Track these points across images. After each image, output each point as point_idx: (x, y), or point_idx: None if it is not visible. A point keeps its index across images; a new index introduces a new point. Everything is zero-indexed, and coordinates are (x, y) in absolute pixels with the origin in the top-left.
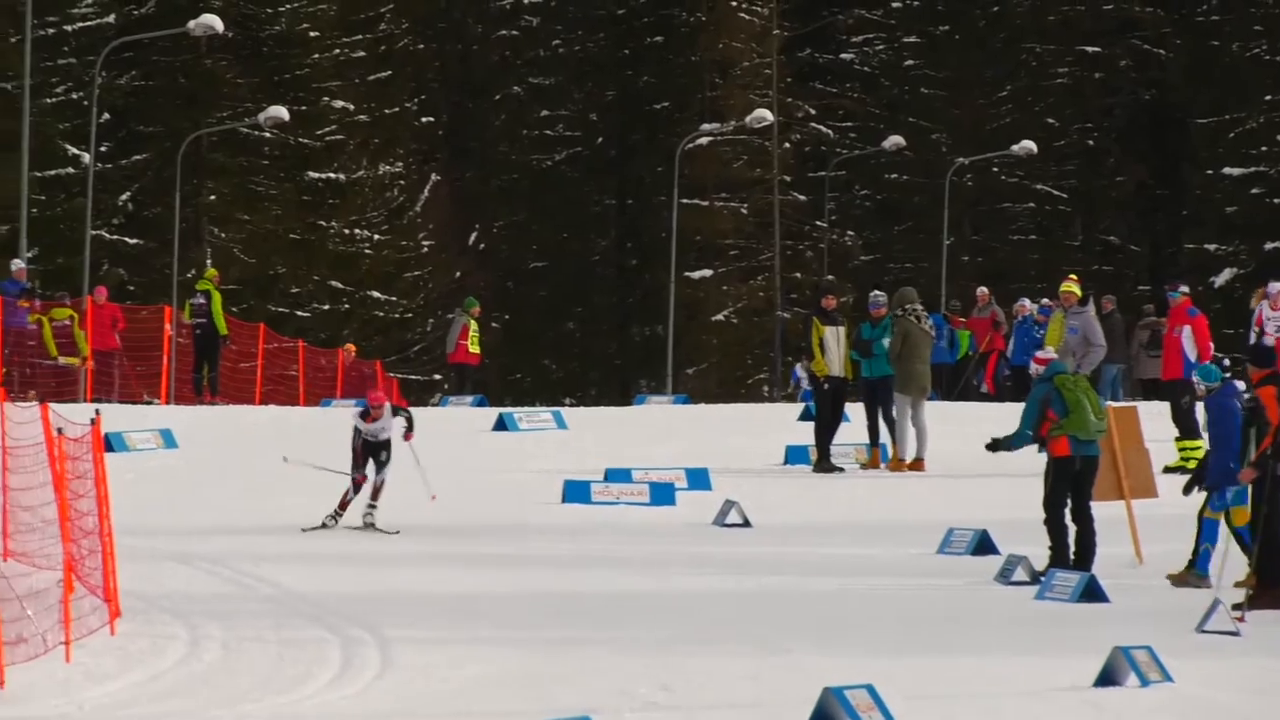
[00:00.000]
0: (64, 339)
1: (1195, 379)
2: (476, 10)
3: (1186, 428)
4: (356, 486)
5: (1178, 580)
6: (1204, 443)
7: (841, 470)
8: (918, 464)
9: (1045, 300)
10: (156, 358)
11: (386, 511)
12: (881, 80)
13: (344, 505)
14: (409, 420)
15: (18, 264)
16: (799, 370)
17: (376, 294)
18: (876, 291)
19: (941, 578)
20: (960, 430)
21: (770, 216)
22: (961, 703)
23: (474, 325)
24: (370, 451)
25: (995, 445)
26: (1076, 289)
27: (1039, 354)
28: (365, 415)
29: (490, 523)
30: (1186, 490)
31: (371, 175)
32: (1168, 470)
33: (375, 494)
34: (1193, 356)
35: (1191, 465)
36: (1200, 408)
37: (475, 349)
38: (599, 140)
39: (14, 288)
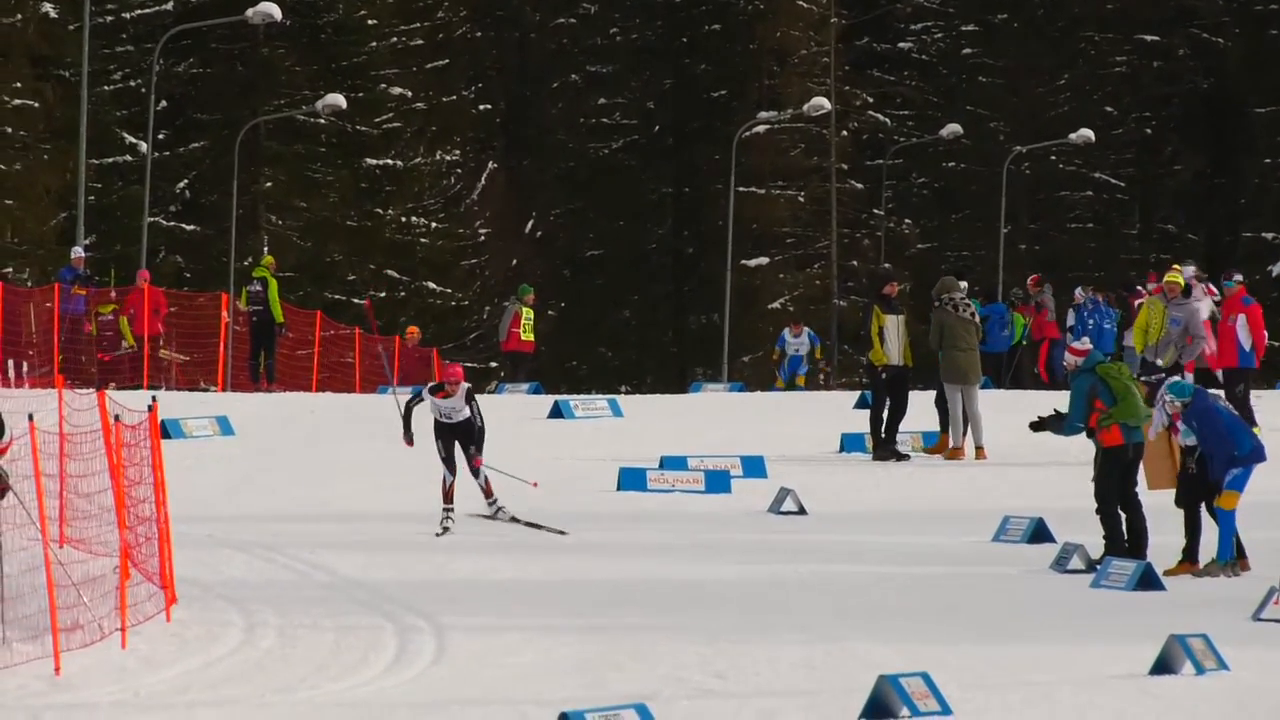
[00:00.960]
0: (109, 331)
1: (1169, 397)
2: None
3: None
4: (451, 469)
5: (1212, 572)
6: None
7: (907, 457)
8: (978, 451)
9: (1095, 290)
10: (213, 345)
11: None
12: (939, 68)
13: (449, 496)
14: (480, 432)
15: (77, 251)
16: (786, 336)
17: (432, 284)
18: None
19: (997, 565)
20: (1015, 418)
21: (827, 205)
22: (1017, 691)
23: (527, 313)
24: (452, 438)
25: (1040, 425)
26: (1181, 279)
27: (1074, 344)
28: (438, 390)
29: (545, 510)
30: (1178, 503)
31: (429, 163)
32: None
33: (488, 493)
34: (1247, 345)
35: None
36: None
37: (528, 336)
38: (656, 128)
39: (70, 274)
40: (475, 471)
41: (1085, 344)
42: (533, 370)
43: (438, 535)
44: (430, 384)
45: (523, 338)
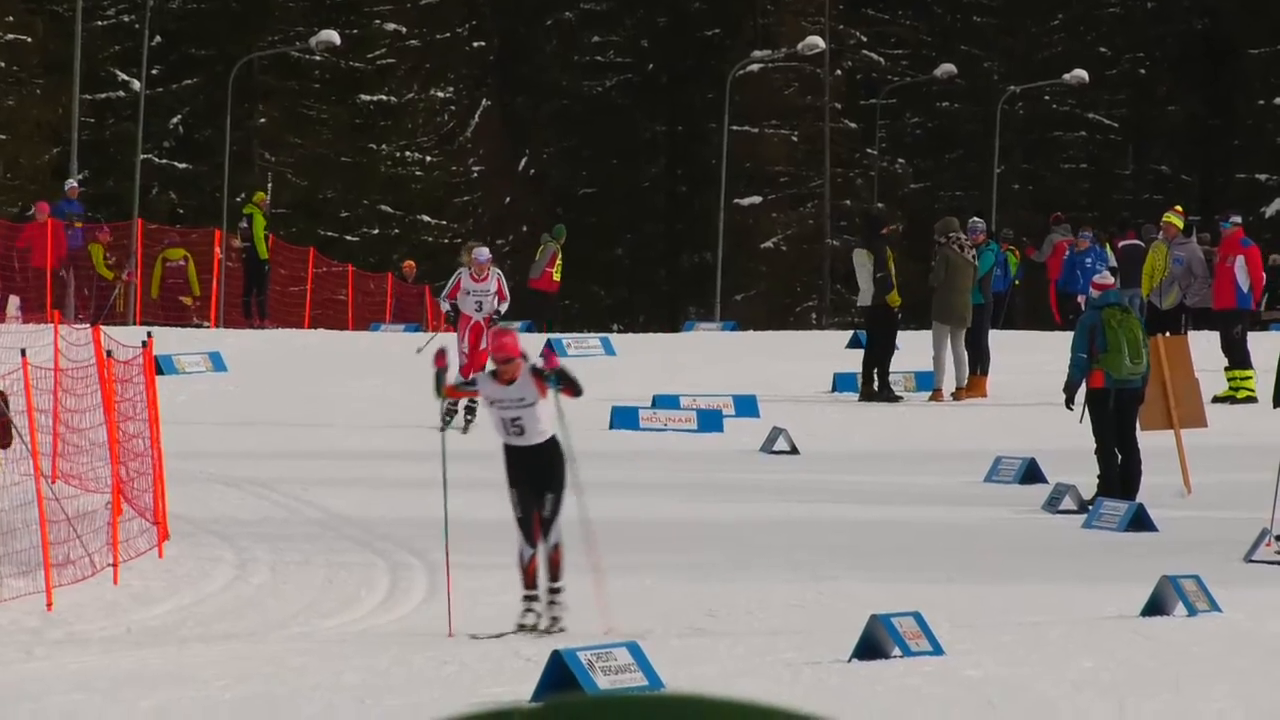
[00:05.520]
0: (178, 279)
1: None
2: None
3: (1238, 357)
4: (529, 538)
5: None
6: (1254, 372)
7: (901, 399)
8: (957, 393)
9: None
10: (206, 281)
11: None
12: (934, 7)
13: (532, 579)
14: (563, 379)
15: (71, 184)
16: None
17: (426, 218)
18: (975, 218)
19: (989, 506)
20: (1009, 359)
21: (821, 144)
22: (1008, 631)
23: (560, 254)
24: (529, 470)
25: (1068, 392)
26: (1179, 221)
27: (1097, 279)
28: (495, 375)
29: None
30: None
31: (422, 99)
32: (1217, 400)
33: (556, 570)
34: (1245, 286)
35: (1241, 395)
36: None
37: (559, 276)
38: (650, 66)
39: (68, 206)
40: (546, 527)
41: (1107, 279)
42: (555, 310)
43: (514, 632)
44: (485, 375)
45: (555, 277)
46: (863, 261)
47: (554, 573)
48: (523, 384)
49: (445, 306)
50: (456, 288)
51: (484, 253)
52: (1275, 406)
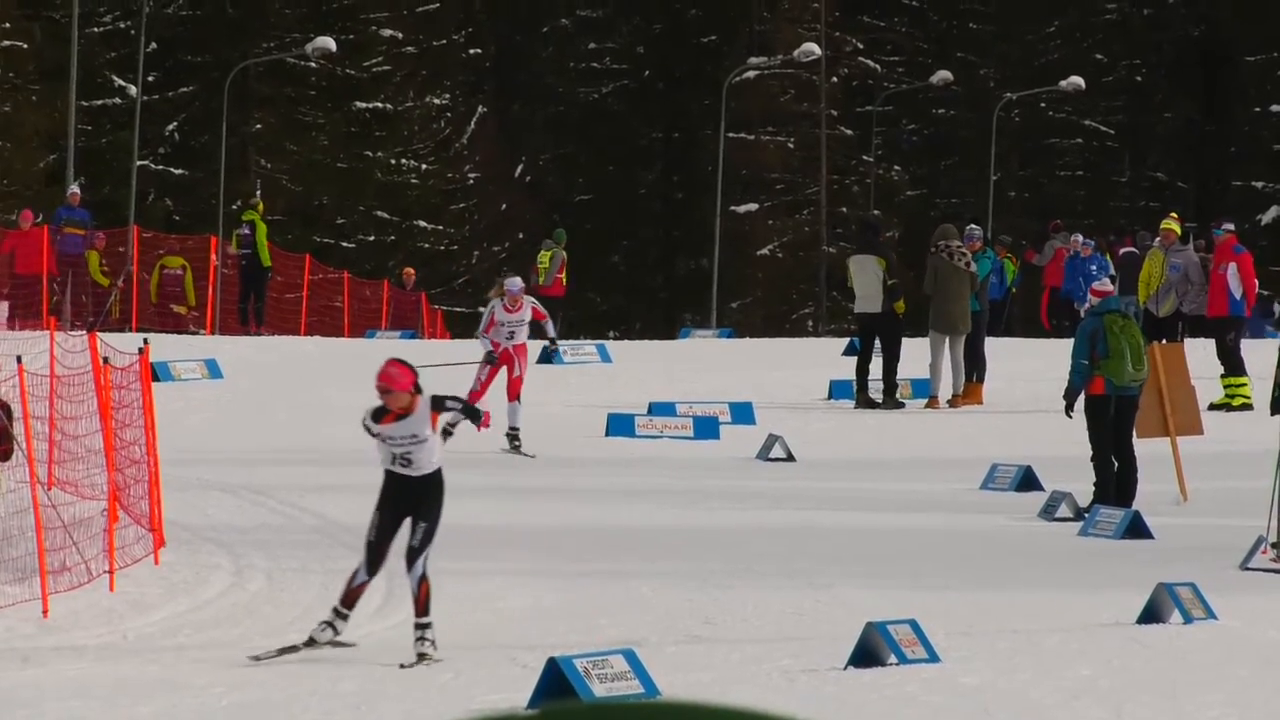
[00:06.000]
0: (174, 287)
1: None
2: None
3: (1232, 364)
4: (371, 564)
5: None
6: (1249, 379)
7: (903, 405)
8: (956, 399)
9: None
10: (202, 288)
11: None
12: (930, 14)
13: (351, 599)
14: (457, 409)
15: (72, 189)
16: None
17: (423, 224)
18: (972, 225)
19: (985, 513)
20: (1006, 366)
21: (817, 151)
22: (1004, 638)
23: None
24: (400, 511)
25: (1069, 398)
26: (1176, 227)
27: (1096, 285)
28: (380, 414)
29: (534, 458)
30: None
31: (419, 106)
32: (1214, 407)
33: (421, 605)
34: (1238, 294)
35: (1237, 403)
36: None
37: (566, 280)
38: (646, 73)
39: (66, 213)
40: (414, 557)
41: (1107, 285)
42: (560, 316)
43: (294, 648)
44: (370, 412)
45: (564, 282)
46: (872, 267)
47: (419, 608)
48: (418, 419)
49: (487, 345)
50: (492, 323)
51: (517, 283)
52: (1274, 414)
